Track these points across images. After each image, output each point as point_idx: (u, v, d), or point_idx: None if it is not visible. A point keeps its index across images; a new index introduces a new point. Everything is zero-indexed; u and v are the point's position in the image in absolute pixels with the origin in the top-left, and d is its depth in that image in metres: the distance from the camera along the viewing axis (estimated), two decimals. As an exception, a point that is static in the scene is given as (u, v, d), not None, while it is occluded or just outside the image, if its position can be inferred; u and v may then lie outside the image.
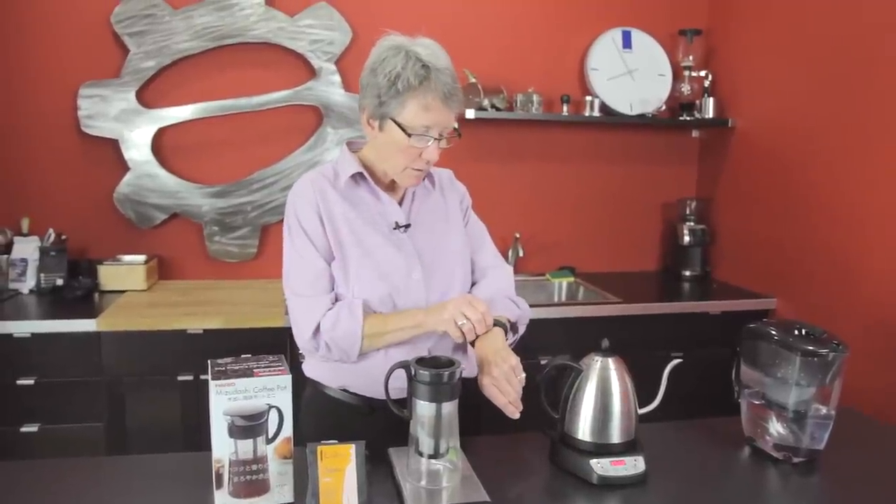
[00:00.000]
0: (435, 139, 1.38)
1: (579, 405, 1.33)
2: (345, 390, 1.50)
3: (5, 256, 2.70)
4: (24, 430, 2.33)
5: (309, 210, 1.45)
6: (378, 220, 1.49)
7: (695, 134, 3.37)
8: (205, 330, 2.40)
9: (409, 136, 1.37)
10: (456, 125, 1.42)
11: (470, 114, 2.89)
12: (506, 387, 1.31)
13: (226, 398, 1.13)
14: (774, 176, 2.85)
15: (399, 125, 1.37)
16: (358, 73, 1.44)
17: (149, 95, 2.85)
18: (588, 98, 3.08)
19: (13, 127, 2.78)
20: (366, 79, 1.40)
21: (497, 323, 1.42)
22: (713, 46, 3.22)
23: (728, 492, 1.31)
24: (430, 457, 1.22)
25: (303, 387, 1.55)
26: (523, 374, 1.33)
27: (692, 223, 3.21)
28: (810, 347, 1.36)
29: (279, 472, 1.17)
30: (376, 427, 1.39)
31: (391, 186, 1.53)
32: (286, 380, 1.15)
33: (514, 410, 1.31)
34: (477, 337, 1.37)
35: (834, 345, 1.37)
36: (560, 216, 3.29)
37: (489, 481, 1.24)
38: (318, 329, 1.41)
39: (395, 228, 1.49)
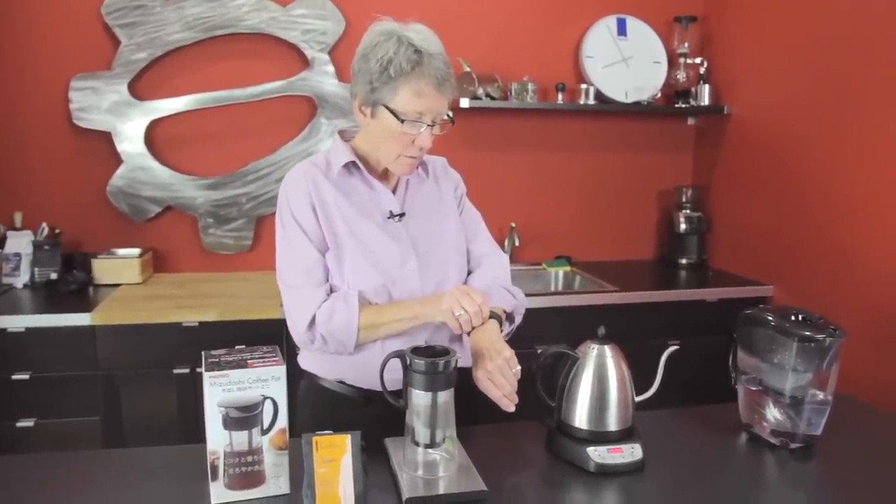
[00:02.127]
0: (428, 125, 1.37)
1: (576, 393, 1.33)
2: (341, 382, 1.49)
3: (-1, 251, 2.69)
4: (20, 425, 2.32)
5: (302, 200, 1.43)
6: (372, 210, 1.47)
7: (690, 121, 3.36)
8: (200, 322, 2.40)
9: (402, 122, 1.35)
10: (449, 112, 1.41)
11: (464, 103, 2.88)
12: (500, 380, 1.30)
13: (220, 389, 1.12)
14: (771, 163, 2.84)
15: (391, 111, 1.35)
16: (351, 63, 1.42)
17: (141, 87, 2.83)
18: (583, 86, 3.07)
19: (5, 121, 2.76)
20: (357, 65, 1.38)
21: (492, 314, 1.41)
22: (708, 33, 3.20)
23: (725, 478, 1.31)
24: (427, 446, 1.22)
25: (299, 379, 1.54)
26: (518, 367, 1.32)
27: (688, 211, 3.20)
28: (807, 333, 1.35)
29: (275, 464, 1.17)
30: (373, 418, 1.38)
31: (384, 175, 1.51)
32: (280, 370, 1.15)
33: (508, 404, 1.30)
34: (473, 328, 1.36)
35: (830, 330, 1.37)
36: (556, 205, 3.28)
37: (486, 470, 1.23)
38: (313, 321, 1.40)
39: (389, 218, 1.47)
